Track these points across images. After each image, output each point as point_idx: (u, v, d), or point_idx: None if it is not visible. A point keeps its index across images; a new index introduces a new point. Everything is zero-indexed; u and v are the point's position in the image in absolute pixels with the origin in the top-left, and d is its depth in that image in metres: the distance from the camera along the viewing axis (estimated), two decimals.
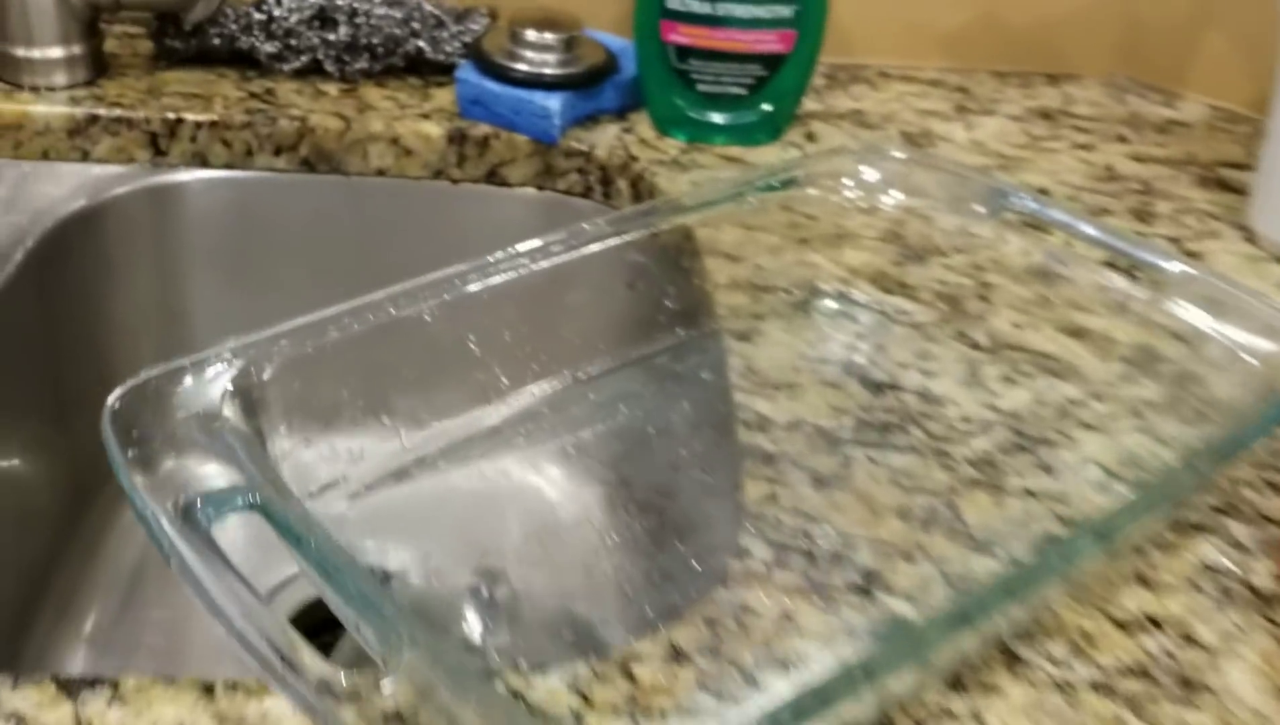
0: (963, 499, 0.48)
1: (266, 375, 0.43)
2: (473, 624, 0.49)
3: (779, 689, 0.39)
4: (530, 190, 0.76)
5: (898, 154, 0.60)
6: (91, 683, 0.37)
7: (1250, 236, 0.69)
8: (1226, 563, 0.46)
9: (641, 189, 0.72)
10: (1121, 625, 0.43)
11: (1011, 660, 0.41)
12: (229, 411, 0.40)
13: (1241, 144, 0.80)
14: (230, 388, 0.41)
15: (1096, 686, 0.40)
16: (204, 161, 0.74)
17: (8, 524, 0.67)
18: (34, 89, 0.74)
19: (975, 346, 0.57)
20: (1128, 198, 0.72)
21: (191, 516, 0.34)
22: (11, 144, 0.73)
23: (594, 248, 0.52)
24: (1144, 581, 0.45)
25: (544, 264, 0.50)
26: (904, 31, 0.87)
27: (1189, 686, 0.41)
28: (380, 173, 0.75)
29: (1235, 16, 0.83)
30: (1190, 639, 0.43)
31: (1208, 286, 0.52)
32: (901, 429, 0.51)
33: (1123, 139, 0.80)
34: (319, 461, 0.45)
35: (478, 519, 0.49)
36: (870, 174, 0.60)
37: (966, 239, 0.61)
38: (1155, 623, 0.43)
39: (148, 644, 0.70)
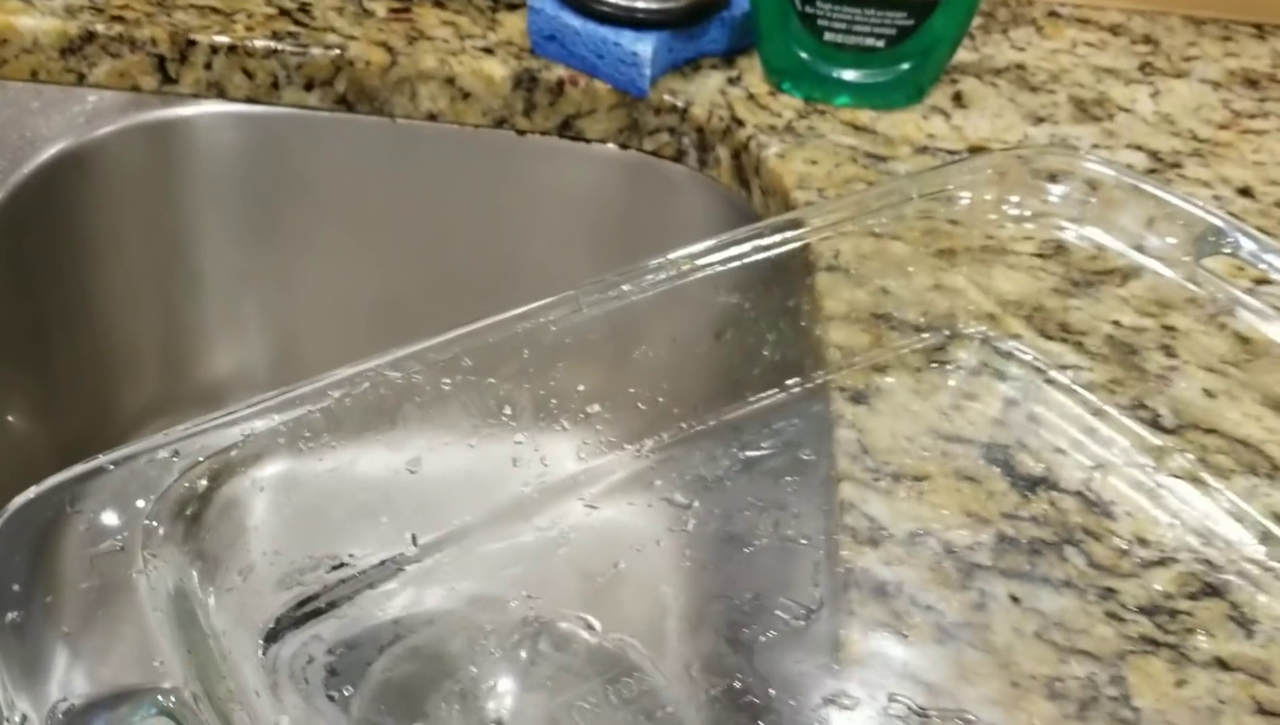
0: (1134, 669, 0.38)
1: (219, 468, 0.34)
2: None
3: None
4: (611, 148, 0.66)
5: (1087, 165, 0.49)
6: None
7: None
8: None
9: (745, 162, 0.62)
10: None
11: None
12: (161, 536, 0.31)
13: None
14: (167, 498, 0.32)
15: None
16: (221, 93, 0.65)
17: None
18: None
19: (1156, 424, 0.47)
20: None
21: None
22: None
23: (671, 285, 0.42)
24: None
25: (606, 307, 0.41)
26: None
27: None
28: (432, 117, 0.66)
29: None
30: None
31: None
32: (1057, 551, 0.41)
33: None
34: (287, 578, 0.36)
35: (500, 663, 0.40)
36: (1034, 185, 0.49)
37: (1150, 268, 0.50)
38: None
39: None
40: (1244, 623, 0.40)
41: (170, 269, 0.67)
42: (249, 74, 0.65)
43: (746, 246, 0.44)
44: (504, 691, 0.39)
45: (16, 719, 0.27)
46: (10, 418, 0.63)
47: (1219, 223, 0.47)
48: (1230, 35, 0.75)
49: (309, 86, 0.65)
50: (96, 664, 0.29)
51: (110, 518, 0.31)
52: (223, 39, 0.64)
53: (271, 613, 0.36)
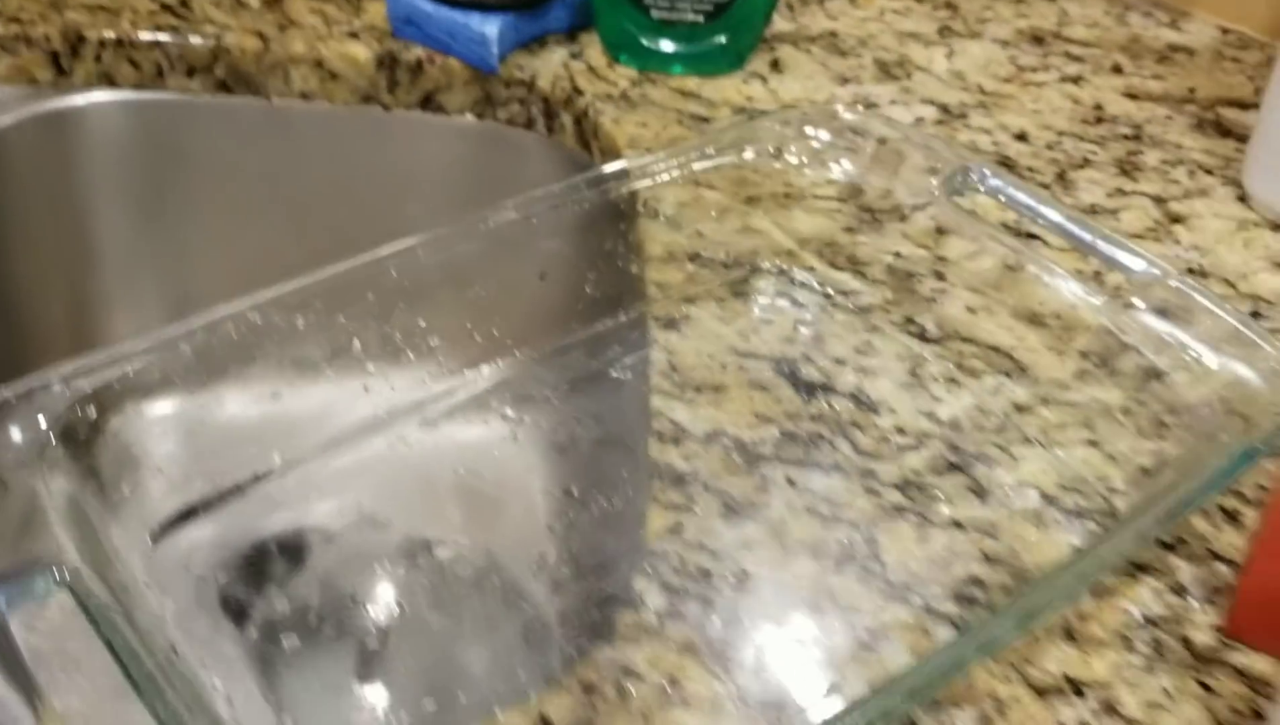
0: (884, 532, 0.45)
1: (105, 397, 0.39)
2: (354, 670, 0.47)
3: None
4: (468, 119, 0.72)
5: (848, 115, 0.55)
6: None
7: (1243, 196, 0.64)
8: (1164, 612, 0.43)
9: (586, 126, 0.68)
10: (1040, 692, 0.40)
11: None
12: (54, 455, 0.37)
13: (1249, 76, 0.75)
14: (53, 426, 0.37)
15: None
16: (111, 82, 0.70)
17: None
18: None
19: (922, 336, 0.54)
20: (1113, 146, 0.68)
21: None
22: None
23: (502, 235, 0.48)
24: (1071, 635, 0.42)
25: (442, 255, 0.47)
26: None
27: None
28: (304, 96, 0.71)
29: None
30: (1112, 709, 0.40)
31: (1177, 288, 0.49)
32: (829, 443, 0.48)
33: (1118, 69, 0.75)
34: (169, 491, 0.42)
35: (346, 561, 0.46)
36: (821, 136, 0.56)
37: (925, 210, 0.57)
38: (1077, 688, 0.41)
39: None
40: (979, 492, 0.47)
41: (72, 247, 0.72)
42: (135, 64, 0.70)
43: (563, 199, 0.50)
44: (369, 593, 0.45)
45: None
46: None
47: (967, 162, 0.53)
48: None
49: (190, 73, 0.70)
50: (4, 552, 0.34)
51: (15, 435, 0.37)
52: (110, 33, 0.69)
53: (157, 520, 0.42)
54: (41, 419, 0.37)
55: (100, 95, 0.70)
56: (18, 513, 0.35)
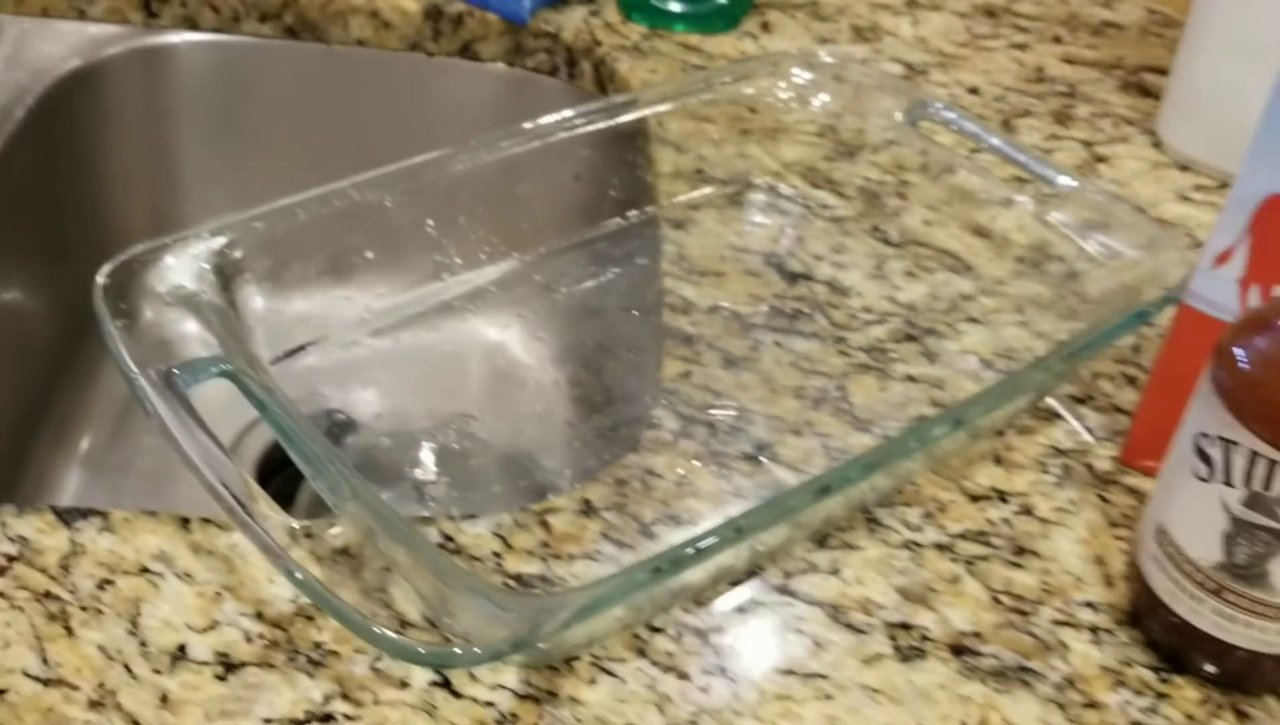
0: (852, 382, 0.54)
1: (240, 253, 0.48)
2: (424, 466, 0.56)
3: (672, 540, 0.46)
4: (501, 66, 0.80)
5: (828, 59, 0.65)
6: (85, 513, 0.44)
7: (1158, 143, 0.74)
8: (1074, 446, 0.52)
9: (603, 73, 0.77)
10: (972, 498, 0.50)
11: (872, 523, 0.48)
12: (207, 285, 0.46)
13: (1168, 49, 0.84)
14: (208, 264, 0.46)
15: (941, 548, 0.47)
16: (193, 25, 0.78)
17: (10, 354, 0.73)
18: None
19: (886, 241, 0.63)
20: (1051, 100, 0.77)
21: (170, 382, 0.40)
22: (14, 0, 0.77)
23: (544, 142, 0.56)
24: (999, 460, 0.51)
25: (497, 156, 0.55)
26: None
27: (1020, 552, 0.47)
28: (360, 43, 0.79)
29: None
30: (1029, 511, 0.49)
31: (1097, 201, 0.58)
32: (809, 317, 0.57)
33: (1058, 39, 0.84)
34: (288, 328, 0.50)
35: (428, 379, 0.55)
36: (804, 75, 0.65)
37: (892, 141, 0.66)
38: (1002, 496, 0.50)
39: (138, 466, 0.77)
40: (929, 356, 0.56)
41: (155, 164, 0.81)
42: (215, 10, 0.78)
43: (597, 117, 0.59)
44: (443, 413, 0.53)
45: (132, 376, 0.41)
46: (21, 286, 0.76)
47: (925, 98, 0.62)
48: None
49: (263, 19, 0.79)
50: (178, 350, 0.43)
51: (176, 270, 0.46)
52: None
53: (271, 351, 0.50)
54: (198, 262, 0.46)
55: (184, 36, 0.79)
56: (182, 327, 0.44)
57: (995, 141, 0.61)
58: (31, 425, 0.74)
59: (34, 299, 0.76)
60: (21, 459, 0.72)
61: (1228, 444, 0.39)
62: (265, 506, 0.38)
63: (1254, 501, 0.39)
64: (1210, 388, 0.40)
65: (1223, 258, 0.45)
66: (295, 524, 0.38)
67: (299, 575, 0.36)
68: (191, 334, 0.44)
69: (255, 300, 0.49)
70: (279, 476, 0.71)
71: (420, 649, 0.36)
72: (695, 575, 0.42)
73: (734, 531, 0.40)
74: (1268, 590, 0.40)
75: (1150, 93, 0.78)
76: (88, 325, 0.80)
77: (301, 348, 0.51)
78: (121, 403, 0.79)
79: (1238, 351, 0.39)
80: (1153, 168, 0.71)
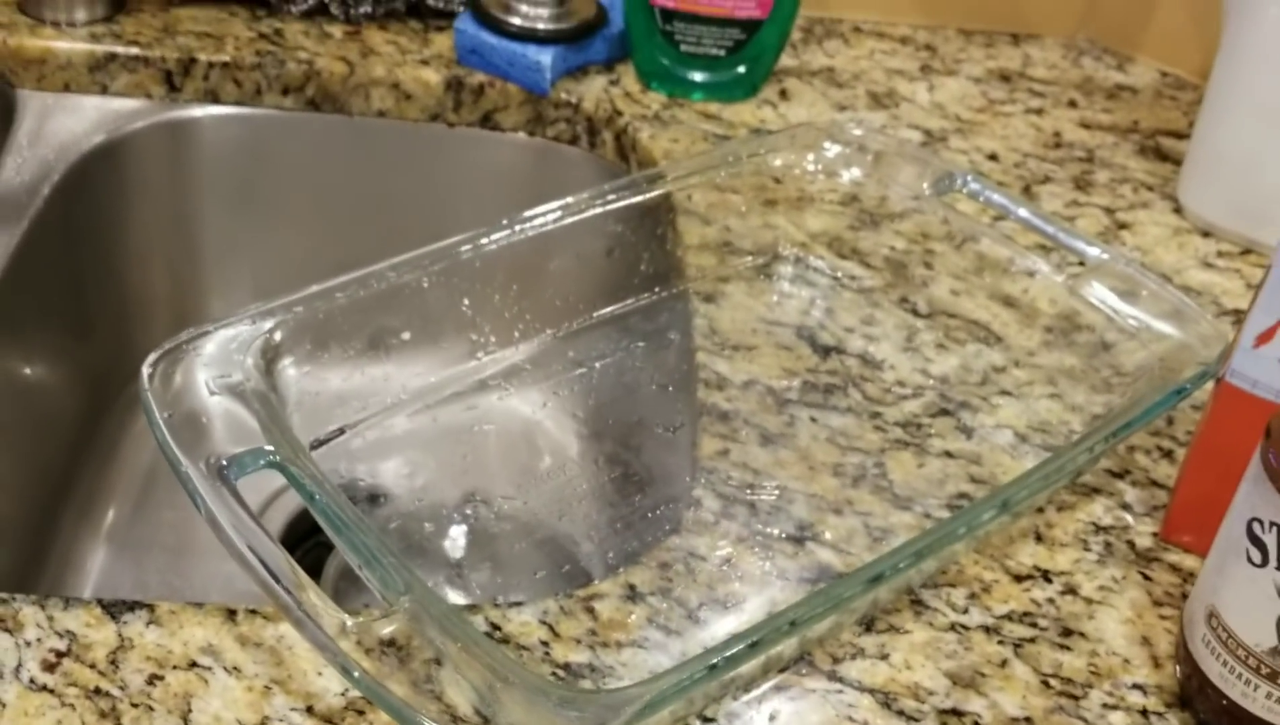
0: (890, 459, 0.54)
1: (280, 336, 0.48)
2: (462, 547, 0.56)
3: (719, 626, 0.46)
4: (521, 136, 0.81)
5: (857, 131, 0.65)
6: (131, 606, 0.44)
7: (1178, 209, 0.74)
8: (1113, 523, 0.52)
9: (624, 142, 0.77)
10: (1016, 578, 0.49)
11: (918, 606, 0.48)
12: (250, 370, 0.46)
13: (1184, 111, 0.85)
14: (249, 349, 0.46)
15: (988, 630, 0.47)
16: (216, 99, 0.79)
17: (34, 428, 0.73)
18: (56, 25, 0.78)
19: (915, 312, 0.63)
20: (1071, 166, 0.77)
21: (223, 476, 0.40)
22: (35, 77, 0.77)
23: (576, 218, 0.57)
24: (1040, 538, 0.51)
25: (530, 232, 0.55)
26: None
27: (1067, 633, 0.47)
28: (381, 114, 0.80)
29: None
30: (1073, 590, 0.49)
31: (1125, 272, 0.58)
32: (842, 391, 0.57)
33: (1073, 104, 0.85)
34: (327, 410, 0.50)
35: (465, 459, 0.55)
36: (832, 149, 0.65)
37: (916, 211, 0.66)
38: (1045, 575, 0.50)
39: (161, 542, 0.76)
40: (965, 431, 0.56)
41: (178, 236, 0.81)
42: (238, 83, 0.78)
43: (627, 193, 0.59)
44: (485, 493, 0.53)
45: (183, 471, 0.41)
46: (44, 361, 0.76)
47: (952, 169, 0.63)
48: (992, 43, 0.92)
49: (285, 92, 0.79)
50: (225, 442, 0.43)
51: (219, 357, 0.46)
52: (217, 57, 0.78)
53: (312, 435, 0.50)
54: (240, 352, 0.46)
55: (207, 109, 0.79)
56: (230, 416, 0.44)
57: (1023, 213, 0.61)
58: (56, 500, 0.73)
59: (57, 372, 0.76)
60: (47, 533, 0.72)
61: None
62: (314, 597, 0.38)
63: None
64: (1262, 471, 0.40)
65: (1265, 337, 0.45)
66: (349, 621, 0.37)
67: (355, 674, 0.36)
68: (235, 420, 0.44)
69: (295, 383, 0.49)
70: (302, 546, 0.71)
71: None
72: (746, 666, 0.42)
73: (789, 624, 0.40)
74: None
75: (1168, 157, 0.79)
76: (110, 399, 0.81)
77: (341, 431, 0.50)
78: (144, 477, 0.79)
79: None
80: (1174, 234, 0.72)
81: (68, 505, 0.75)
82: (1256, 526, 0.40)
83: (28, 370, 0.73)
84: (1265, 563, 0.40)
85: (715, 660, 0.38)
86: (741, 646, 0.38)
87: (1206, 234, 0.72)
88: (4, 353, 0.69)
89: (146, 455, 0.81)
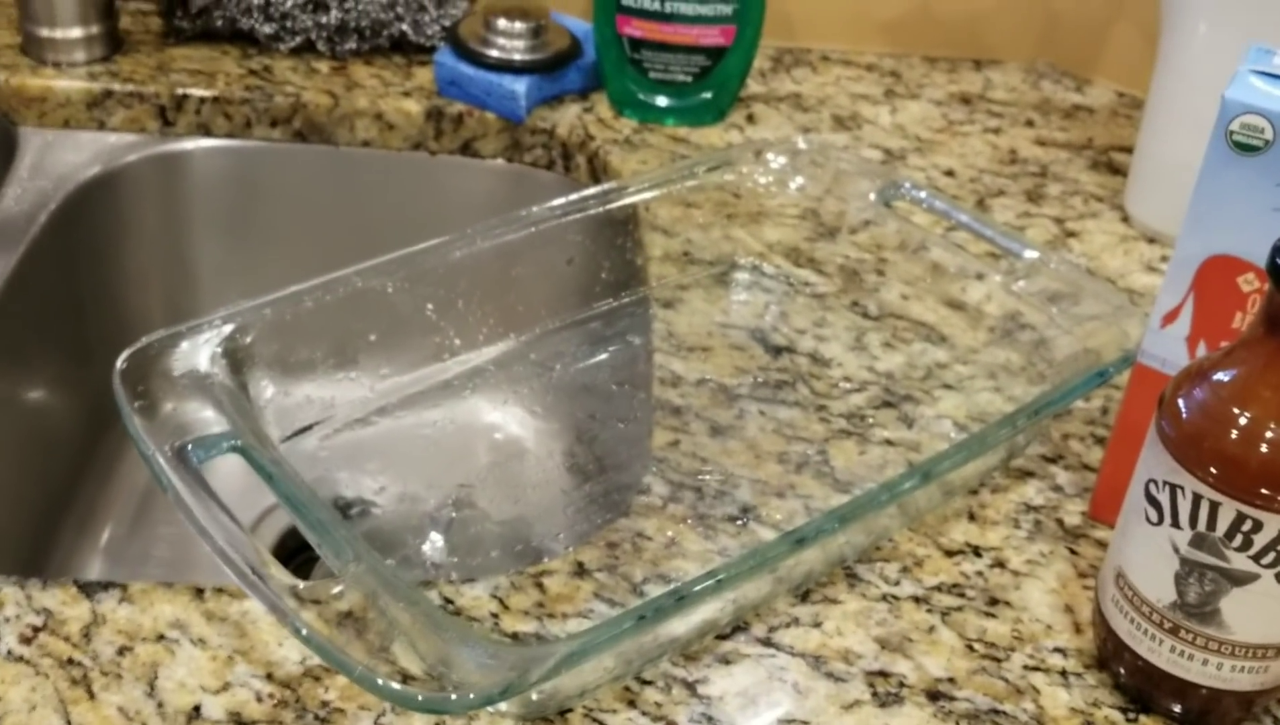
0: (833, 447, 0.57)
1: (250, 338, 0.51)
2: (427, 537, 0.58)
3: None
4: (500, 162, 0.84)
5: (803, 145, 0.68)
6: (105, 585, 0.46)
7: (1126, 217, 0.77)
8: (1044, 503, 0.54)
9: (596, 165, 0.80)
10: (947, 553, 0.52)
11: (852, 579, 0.50)
12: (219, 369, 0.49)
13: (1137, 128, 0.87)
14: (220, 349, 0.49)
15: (917, 600, 0.49)
16: (207, 132, 0.82)
17: (36, 449, 0.76)
18: (56, 65, 0.81)
19: (865, 315, 0.65)
20: (1024, 180, 0.80)
21: (184, 457, 0.43)
22: (36, 114, 0.81)
23: (539, 227, 0.60)
24: (973, 517, 0.54)
25: (493, 242, 0.58)
26: (846, 18, 0.95)
27: (993, 602, 0.49)
28: (366, 144, 0.83)
29: (1143, 8, 0.90)
30: (1002, 564, 0.51)
31: (1062, 271, 0.61)
32: (791, 387, 0.60)
33: (1030, 123, 0.88)
34: (296, 409, 0.53)
35: (429, 455, 0.57)
36: (780, 160, 0.68)
37: (870, 221, 0.69)
38: (976, 551, 0.52)
39: (156, 556, 0.79)
40: (907, 421, 0.59)
41: (172, 264, 0.84)
42: (228, 116, 0.82)
43: (584, 205, 0.62)
44: (440, 481, 0.56)
45: (148, 452, 0.44)
46: (45, 382, 0.79)
47: (896, 178, 0.66)
48: (955, 69, 0.96)
49: (273, 124, 0.83)
50: (191, 427, 0.46)
51: (189, 355, 0.49)
52: (208, 92, 0.81)
53: (280, 431, 0.53)
54: (205, 349, 0.49)
55: (199, 142, 0.83)
56: (192, 402, 0.46)
57: (964, 218, 0.64)
58: (56, 516, 0.76)
59: (58, 396, 0.79)
60: (47, 547, 0.75)
61: (1174, 488, 0.41)
62: (273, 569, 0.40)
63: (1199, 541, 0.41)
64: (1156, 437, 0.42)
65: (1170, 317, 0.48)
66: (300, 584, 0.40)
67: (304, 631, 0.39)
68: (205, 416, 0.47)
69: (265, 383, 0.51)
70: (295, 560, 0.74)
71: (419, 696, 0.38)
72: (682, 629, 0.44)
73: (715, 582, 0.42)
74: (1220, 628, 0.42)
75: (1119, 170, 0.82)
76: (109, 421, 0.84)
77: (309, 427, 0.53)
78: (141, 495, 0.82)
79: (1180, 402, 0.42)
80: (1121, 241, 0.74)
81: (67, 521, 0.78)
82: (1152, 487, 0.42)
83: (29, 391, 0.76)
84: (1161, 521, 0.42)
85: (643, 613, 0.40)
86: (670, 601, 0.41)
87: (1152, 240, 0.75)
88: (4, 373, 0.72)
89: (143, 474, 0.84)
